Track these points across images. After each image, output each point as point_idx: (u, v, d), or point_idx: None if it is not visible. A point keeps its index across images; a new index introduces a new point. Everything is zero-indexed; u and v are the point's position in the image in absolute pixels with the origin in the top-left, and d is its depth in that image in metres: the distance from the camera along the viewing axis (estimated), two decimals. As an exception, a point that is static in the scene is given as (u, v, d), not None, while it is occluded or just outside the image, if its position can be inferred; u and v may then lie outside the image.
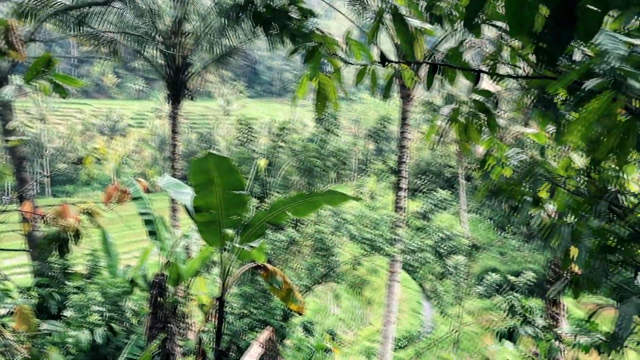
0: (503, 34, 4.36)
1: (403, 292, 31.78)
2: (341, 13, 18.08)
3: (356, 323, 31.04)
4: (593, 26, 2.42)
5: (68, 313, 12.25)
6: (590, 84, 2.83)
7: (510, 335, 8.10)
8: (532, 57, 4.13)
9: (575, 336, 8.26)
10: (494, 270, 32.95)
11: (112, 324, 11.87)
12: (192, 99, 19.78)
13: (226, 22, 17.33)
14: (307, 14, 4.36)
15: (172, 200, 17.90)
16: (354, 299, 33.44)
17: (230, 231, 7.43)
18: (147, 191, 10.61)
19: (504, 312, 9.53)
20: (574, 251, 4.69)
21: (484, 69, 4.42)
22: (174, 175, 17.09)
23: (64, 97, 5.89)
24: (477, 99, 4.67)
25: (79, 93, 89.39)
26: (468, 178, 44.77)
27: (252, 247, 8.21)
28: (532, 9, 2.43)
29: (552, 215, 5.11)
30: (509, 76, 4.20)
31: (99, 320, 11.77)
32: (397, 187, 19.24)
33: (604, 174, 4.88)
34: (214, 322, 8.32)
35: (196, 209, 7.36)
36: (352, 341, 28.02)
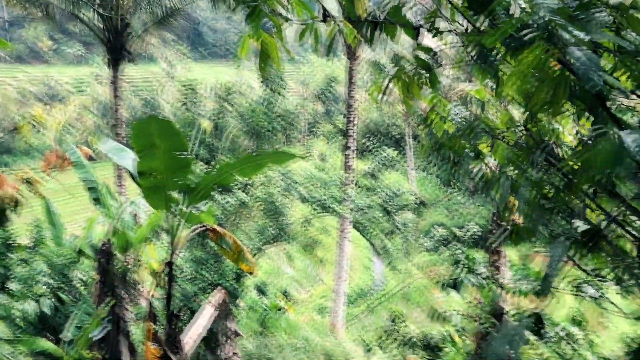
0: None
1: (354, 250, 32.42)
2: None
3: (309, 282, 31.54)
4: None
5: (12, 286, 11.91)
6: (525, 33, 2.89)
7: (455, 285, 8.44)
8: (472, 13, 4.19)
9: (516, 283, 8.70)
10: (441, 225, 34.01)
11: (60, 294, 11.64)
12: (133, 62, 19.08)
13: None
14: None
15: (118, 168, 17.44)
16: (306, 259, 33.87)
17: (176, 194, 7.32)
18: (91, 159, 10.31)
19: (450, 264, 9.89)
20: (514, 202, 4.87)
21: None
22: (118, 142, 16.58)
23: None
24: (419, 55, 4.72)
25: (12, 59, 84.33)
26: (415, 137, 45.46)
27: (199, 210, 8.14)
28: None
29: (493, 169, 5.27)
30: (448, 31, 4.23)
31: (46, 291, 11.51)
32: (345, 148, 19.38)
33: (541, 126, 5.04)
34: (165, 286, 8.28)
35: (140, 173, 7.20)
36: (305, 300, 28.53)
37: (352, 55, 18.54)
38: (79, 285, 12.43)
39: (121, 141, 17.30)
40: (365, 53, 26.39)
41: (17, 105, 71.60)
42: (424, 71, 4.82)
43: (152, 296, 8.49)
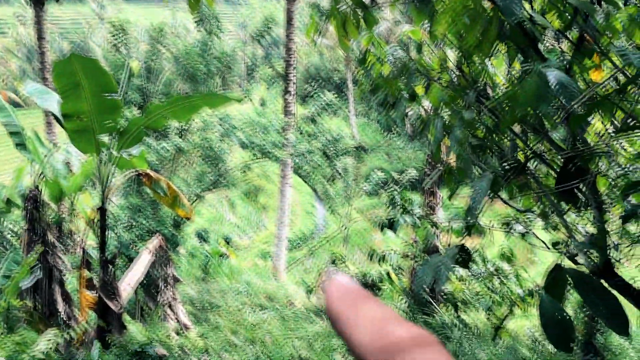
0: None
1: (297, 196, 32.67)
2: None
3: (252, 228, 31.68)
4: None
5: None
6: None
7: (391, 225, 8.66)
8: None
9: (449, 222, 9.02)
10: (381, 169, 34.67)
11: (-11, 245, 11.18)
12: (58, 1, 17.82)
13: None
14: None
15: (47, 115, 16.54)
16: (249, 206, 33.88)
17: (105, 138, 7.01)
18: (18, 106, 9.67)
19: (387, 206, 10.11)
20: (448, 144, 4.95)
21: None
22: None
23: None
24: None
25: None
26: (356, 82, 45.39)
27: (131, 154, 7.85)
28: None
29: (429, 111, 5.32)
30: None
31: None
32: (285, 92, 19.08)
33: (474, 67, 5.09)
34: (98, 233, 8.07)
35: (65, 116, 6.81)
36: (248, 245, 28.70)
37: (290, -5, 18.00)
38: (9, 236, 11.98)
39: (49, 86, 16.35)
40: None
41: None
42: (359, 10, 4.73)
43: (86, 244, 8.26)
